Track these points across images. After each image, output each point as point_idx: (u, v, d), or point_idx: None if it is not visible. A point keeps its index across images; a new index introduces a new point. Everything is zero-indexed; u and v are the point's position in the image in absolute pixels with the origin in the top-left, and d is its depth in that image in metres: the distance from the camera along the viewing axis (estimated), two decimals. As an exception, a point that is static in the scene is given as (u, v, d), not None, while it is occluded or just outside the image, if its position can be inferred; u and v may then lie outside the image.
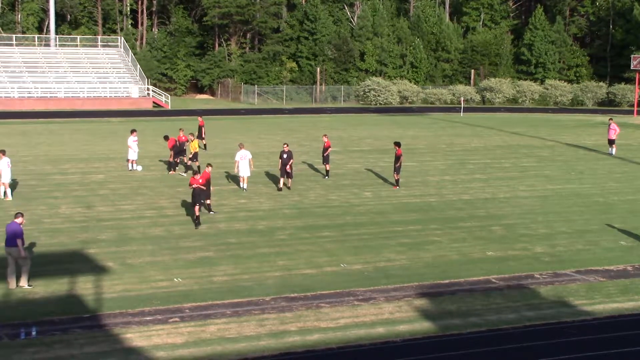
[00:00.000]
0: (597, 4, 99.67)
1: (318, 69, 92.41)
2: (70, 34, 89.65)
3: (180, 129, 38.38)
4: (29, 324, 17.29)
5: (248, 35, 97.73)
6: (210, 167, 28.94)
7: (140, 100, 77.83)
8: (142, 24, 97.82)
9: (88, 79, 78.64)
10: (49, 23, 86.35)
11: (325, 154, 36.21)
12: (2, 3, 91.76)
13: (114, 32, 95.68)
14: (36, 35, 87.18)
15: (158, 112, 73.94)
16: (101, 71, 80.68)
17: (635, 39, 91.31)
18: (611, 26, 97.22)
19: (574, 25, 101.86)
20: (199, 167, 35.97)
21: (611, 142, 45.95)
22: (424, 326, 17.59)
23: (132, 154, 37.41)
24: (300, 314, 18.23)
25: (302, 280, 20.99)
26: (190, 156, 36.62)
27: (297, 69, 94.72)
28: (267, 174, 36.23)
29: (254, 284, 20.59)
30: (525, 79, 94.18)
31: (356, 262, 22.87)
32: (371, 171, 38.31)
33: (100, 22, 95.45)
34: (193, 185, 26.52)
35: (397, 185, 34.27)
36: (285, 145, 32.84)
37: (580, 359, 15.99)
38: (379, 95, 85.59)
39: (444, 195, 32.99)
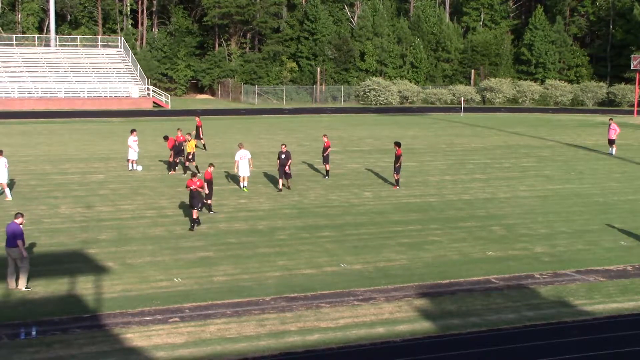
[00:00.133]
0: (597, 4, 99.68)
1: (318, 69, 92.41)
2: (70, 34, 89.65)
3: (178, 129, 38.38)
4: (29, 324, 17.30)
5: (248, 35, 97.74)
6: (212, 167, 28.93)
7: (141, 100, 77.82)
8: (142, 24, 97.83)
9: (88, 79, 78.64)
10: (49, 23, 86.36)
11: (325, 154, 36.22)
12: (2, 3, 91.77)
13: (114, 32, 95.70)
14: (36, 35, 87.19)
15: (158, 112, 73.94)
16: (101, 71, 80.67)
17: (635, 39, 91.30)
18: (611, 26, 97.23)
19: (574, 25, 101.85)
20: (197, 167, 35.99)
21: (611, 142, 45.95)
22: (424, 326, 17.59)
23: (132, 154, 37.42)
24: (300, 314, 18.23)
25: (302, 280, 20.99)
26: (189, 157, 36.62)
27: (297, 69, 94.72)
28: (267, 174, 36.23)
29: (254, 284, 20.59)
30: (526, 79, 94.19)
31: (356, 262, 22.87)
32: (371, 171, 38.31)
33: (100, 22, 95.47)
34: (190, 187, 26.41)
35: (397, 185, 34.27)
36: (283, 146, 32.84)
37: (580, 359, 16.00)
38: (379, 95, 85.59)
39: (444, 195, 32.99)
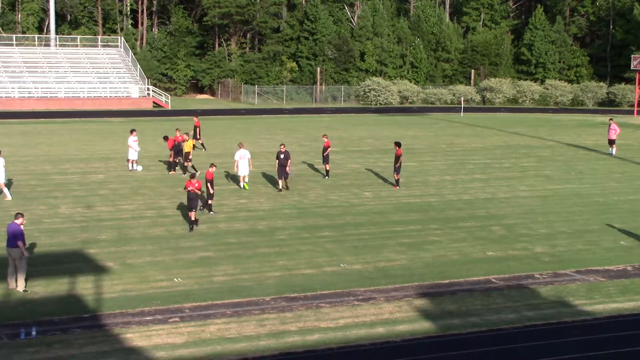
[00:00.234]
0: (597, 4, 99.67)
1: (318, 69, 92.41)
2: (70, 34, 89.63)
3: (176, 129, 38.38)
4: (29, 324, 17.30)
5: (248, 35, 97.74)
6: (213, 167, 28.90)
7: (141, 100, 77.82)
8: (142, 24, 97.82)
9: (88, 79, 78.63)
10: (49, 23, 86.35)
11: (325, 154, 36.22)
12: (2, 3, 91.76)
13: (114, 32, 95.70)
14: (36, 35, 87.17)
15: (158, 112, 73.94)
16: (101, 71, 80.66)
17: (635, 39, 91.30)
18: (611, 26, 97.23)
19: (574, 25, 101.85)
20: (193, 166, 36.02)
21: (611, 142, 45.94)
22: (424, 326, 17.60)
23: (133, 154, 37.43)
24: (300, 314, 18.23)
25: (302, 280, 20.99)
26: (188, 157, 36.63)
27: (297, 69, 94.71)
28: (267, 174, 36.22)
29: (254, 284, 20.60)
30: (526, 79, 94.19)
31: (356, 262, 22.87)
32: (371, 171, 38.31)
33: (100, 22, 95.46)
34: (188, 189, 26.34)
35: (397, 185, 34.27)
36: (282, 146, 32.83)
37: (580, 359, 16.00)
38: (379, 95, 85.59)
39: (444, 195, 32.99)
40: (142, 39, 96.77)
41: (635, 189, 35.21)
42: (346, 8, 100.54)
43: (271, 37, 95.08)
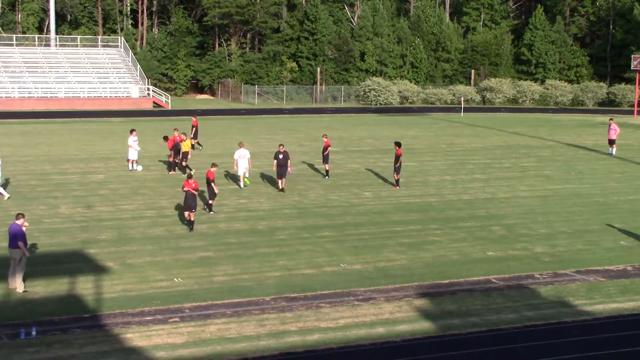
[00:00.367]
0: (597, 4, 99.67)
1: (318, 69, 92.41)
2: (70, 34, 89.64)
3: (175, 129, 38.37)
4: (29, 324, 17.30)
5: (248, 35, 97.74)
6: (215, 167, 28.88)
7: (141, 101, 77.82)
8: (142, 24, 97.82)
9: (88, 79, 78.63)
10: (49, 23, 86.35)
11: (325, 154, 36.22)
12: (2, 3, 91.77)
13: (114, 32, 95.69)
14: (36, 35, 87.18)
15: (158, 112, 73.94)
16: (101, 71, 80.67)
17: (635, 39, 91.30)
18: (611, 26, 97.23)
19: (574, 25, 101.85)
20: (187, 166, 36.05)
21: (611, 142, 45.94)
22: (424, 326, 17.60)
23: (133, 154, 37.44)
24: (300, 314, 18.23)
25: (302, 280, 20.99)
26: (186, 157, 36.67)
27: (297, 69, 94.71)
28: (267, 174, 36.22)
29: (254, 284, 20.60)
30: (526, 79, 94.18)
31: (356, 262, 22.88)
32: (371, 171, 38.31)
33: (100, 22, 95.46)
34: (185, 189, 26.28)
35: (397, 185, 34.27)
36: (281, 147, 32.82)
37: (580, 359, 16.00)
38: (379, 96, 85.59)
39: (444, 195, 32.99)
40: (142, 39, 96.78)
41: (635, 189, 35.20)
42: (346, 8, 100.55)
43: (271, 37, 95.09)
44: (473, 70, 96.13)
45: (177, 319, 17.79)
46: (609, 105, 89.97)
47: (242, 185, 33.35)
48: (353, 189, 33.93)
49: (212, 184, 28.25)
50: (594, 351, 16.32)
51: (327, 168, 36.45)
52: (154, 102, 78.83)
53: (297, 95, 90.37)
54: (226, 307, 18.63)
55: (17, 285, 19.67)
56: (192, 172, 29.11)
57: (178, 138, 36.94)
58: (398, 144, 34.05)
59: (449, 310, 18.64)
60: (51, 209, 28.93)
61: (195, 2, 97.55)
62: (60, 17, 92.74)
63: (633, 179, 37.90)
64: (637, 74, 76.94)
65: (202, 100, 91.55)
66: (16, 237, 19.62)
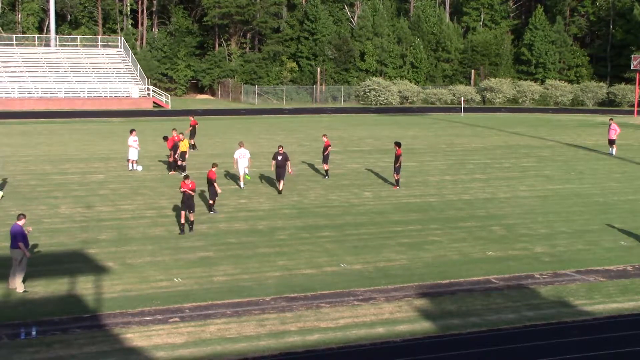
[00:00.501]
0: (597, 4, 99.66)
1: (318, 69, 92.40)
2: (70, 34, 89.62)
3: (173, 129, 38.35)
4: (29, 324, 17.30)
5: (248, 35, 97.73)
6: (216, 167, 28.87)
7: (141, 101, 77.80)
8: (142, 24, 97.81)
9: (88, 79, 78.62)
10: (49, 23, 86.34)
11: (325, 154, 36.22)
12: (2, 3, 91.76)
13: (114, 32, 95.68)
14: (36, 35, 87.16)
15: (158, 112, 73.93)
16: (101, 71, 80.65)
17: (635, 39, 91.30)
18: (611, 26, 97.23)
19: (574, 25, 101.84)
20: (184, 166, 36.05)
21: (611, 142, 45.94)
22: (424, 326, 17.60)
23: (133, 154, 37.44)
24: (300, 314, 18.23)
25: (302, 280, 21.00)
26: (184, 156, 36.66)
27: (297, 69, 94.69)
28: (267, 174, 36.21)
29: (254, 284, 20.60)
30: (526, 79, 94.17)
31: (356, 262, 22.88)
32: (371, 171, 38.31)
33: (100, 22, 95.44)
34: (182, 189, 26.22)
35: (397, 185, 34.27)
36: (280, 147, 32.81)
37: (580, 359, 16.00)
38: (379, 96, 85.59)
39: (444, 195, 32.99)
40: (142, 39, 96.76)
41: (635, 189, 35.21)
42: (346, 8, 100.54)
43: (271, 37, 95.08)
44: (473, 70, 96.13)
45: (177, 319, 17.80)
46: (609, 105, 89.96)
47: (242, 185, 33.37)
48: (353, 189, 33.93)
49: (215, 184, 28.25)
50: (594, 351, 16.32)
51: (326, 168, 36.43)
52: (154, 102, 78.81)
53: (297, 95, 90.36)
54: (226, 307, 18.63)
55: (17, 285, 19.68)
56: (184, 174, 29.03)
57: (177, 138, 36.95)
58: (398, 144, 34.05)
59: (449, 310, 18.64)
60: (51, 209, 28.93)
61: (195, 2, 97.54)
62: (60, 17, 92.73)
63: (633, 179, 37.90)
64: (637, 74, 76.93)
65: (202, 100, 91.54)
66: (16, 238, 19.63)
